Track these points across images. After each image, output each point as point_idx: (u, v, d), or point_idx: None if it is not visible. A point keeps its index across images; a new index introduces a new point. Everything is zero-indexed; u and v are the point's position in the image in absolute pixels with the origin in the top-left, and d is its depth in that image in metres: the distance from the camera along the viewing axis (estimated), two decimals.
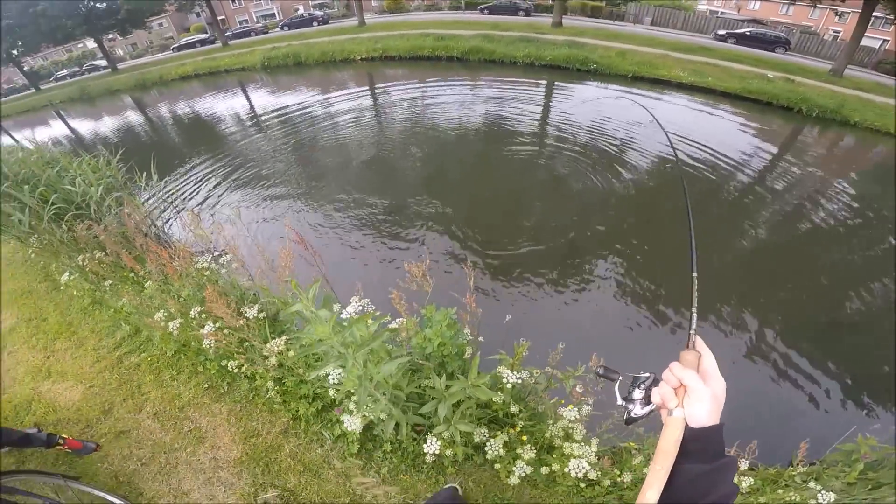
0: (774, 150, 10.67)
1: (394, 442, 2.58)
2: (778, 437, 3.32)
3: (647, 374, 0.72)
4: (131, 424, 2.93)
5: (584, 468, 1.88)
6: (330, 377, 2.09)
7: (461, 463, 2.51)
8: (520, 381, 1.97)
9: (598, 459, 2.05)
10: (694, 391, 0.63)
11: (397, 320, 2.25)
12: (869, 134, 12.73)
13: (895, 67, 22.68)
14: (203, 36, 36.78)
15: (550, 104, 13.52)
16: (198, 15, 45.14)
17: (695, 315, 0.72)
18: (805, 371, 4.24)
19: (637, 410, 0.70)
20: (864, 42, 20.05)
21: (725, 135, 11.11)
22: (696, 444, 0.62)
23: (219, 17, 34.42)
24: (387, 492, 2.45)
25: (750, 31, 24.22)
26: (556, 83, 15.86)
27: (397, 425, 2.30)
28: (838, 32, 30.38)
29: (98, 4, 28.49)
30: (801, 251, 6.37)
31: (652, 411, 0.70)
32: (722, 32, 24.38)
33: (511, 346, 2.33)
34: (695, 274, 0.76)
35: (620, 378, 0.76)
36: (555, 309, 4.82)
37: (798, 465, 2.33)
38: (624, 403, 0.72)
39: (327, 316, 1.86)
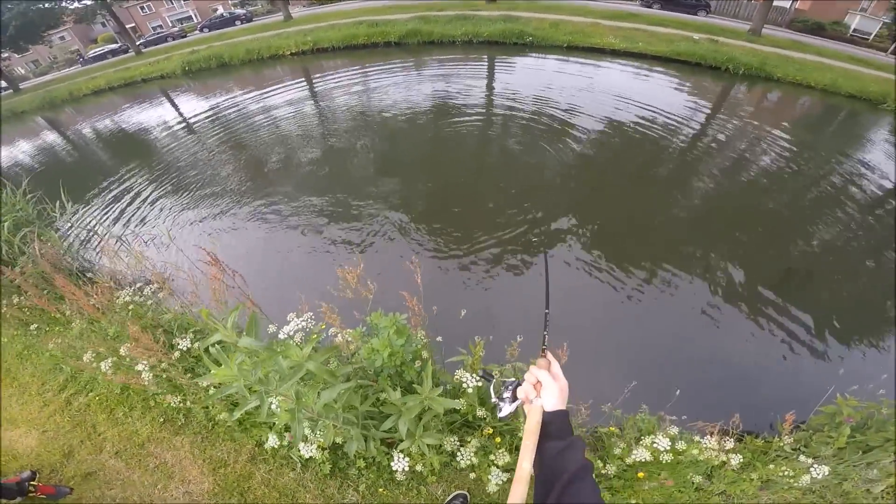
0: (709, 106, 11.19)
1: (366, 458, 2.42)
2: (761, 402, 3.24)
3: (512, 379, 0.94)
4: (95, 466, 2.82)
5: None
6: (273, 407, 1.86)
7: (440, 471, 2.38)
8: (480, 384, 1.82)
9: None
10: (547, 385, 0.84)
11: (339, 333, 2.03)
12: (791, 87, 13.72)
13: (807, 26, 24.50)
14: (113, 46, 33.64)
15: (494, 78, 13.48)
16: (104, 25, 40.97)
17: (546, 337, 0.95)
18: (772, 328, 4.16)
19: (506, 408, 0.90)
20: (778, 3, 21.41)
21: (663, 95, 11.52)
22: (551, 426, 0.80)
23: (128, 25, 31.46)
24: None
25: None
26: (496, 58, 15.77)
27: (365, 440, 2.12)
28: None
29: None
30: (748, 201, 6.58)
31: (518, 406, 0.90)
32: None
33: (474, 340, 2.18)
34: (547, 311, 1.00)
35: (495, 380, 0.95)
36: (518, 296, 4.58)
37: (786, 435, 2.28)
38: (496, 401, 0.93)
39: (250, 343, 1.62)
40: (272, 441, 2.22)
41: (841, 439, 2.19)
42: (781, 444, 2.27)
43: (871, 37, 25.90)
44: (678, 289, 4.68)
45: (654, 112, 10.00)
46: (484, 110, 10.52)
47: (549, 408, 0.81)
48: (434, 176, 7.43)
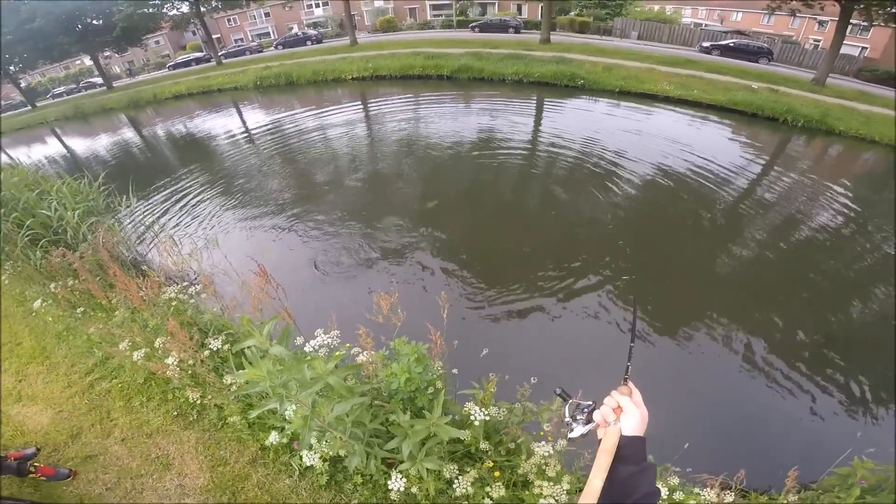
0: (764, 160, 10.80)
1: (364, 475, 2.49)
2: (774, 458, 3.23)
3: (589, 402, 0.95)
4: (98, 449, 2.89)
5: None
6: (287, 413, 2.01)
7: (434, 497, 2.41)
8: (487, 418, 1.88)
9: (572, 497, 1.95)
10: (628, 411, 0.87)
11: (364, 353, 2.17)
12: (854, 142, 12.90)
13: (876, 75, 23.23)
14: (198, 54, 37.17)
15: (542, 117, 13.72)
16: (194, 33, 45.65)
17: (629, 367, 0.97)
18: (801, 389, 4.14)
19: (578, 429, 0.92)
20: (845, 50, 20.51)
21: (716, 146, 11.25)
22: (627, 449, 0.83)
23: (214, 36, 34.85)
24: None
25: (734, 43, 24.75)
26: (545, 98, 16.07)
27: (367, 457, 2.21)
28: (819, 41, 31.09)
29: (94, 22, 28.63)
30: (798, 261, 6.32)
31: (590, 430, 0.91)
32: (707, 44, 24.82)
33: (488, 377, 2.25)
34: (632, 343, 1.00)
35: (571, 401, 0.96)
36: (540, 339, 4.65)
37: (787, 494, 2.25)
38: (570, 421, 0.94)
39: (280, 352, 1.79)
40: (273, 437, 2.32)
41: (849, 500, 2.14)
42: (785, 502, 2.21)
43: None
44: (712, 342, 4.61)
45: (706, 161, 9.80)
46: (529, 147, 10.74)
47: (628, 432, 0.85)
48: (473, 209, 7.64)
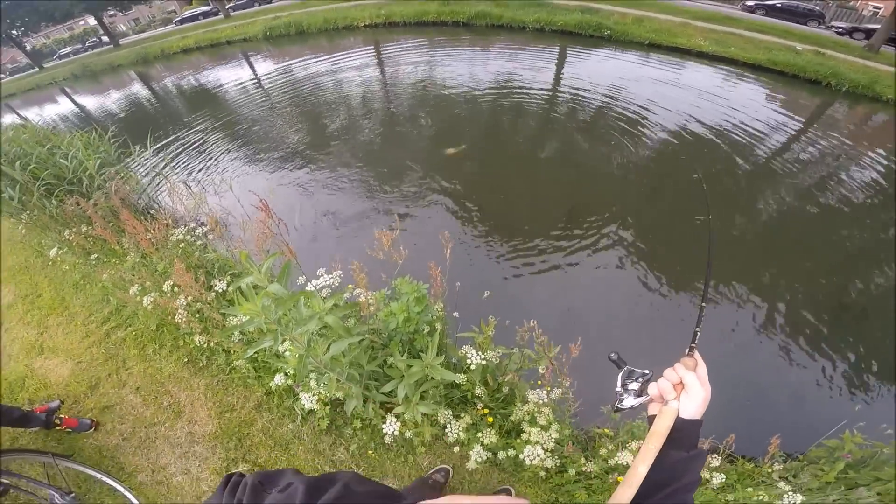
0: (801, 121, 10.08)
1: (363, 419, 2.53)
2: (767, 426, 3.17)
3: (646, 371, 0.83)
4: (115, 399, 2.99)
5: (538, 455, 1.77)
6: (285, 353, 2.00)
7: (431, 443, 2.45)
8: (484, 362, 1.84)
9: (562, 446, 1.94)
10: (691, 389, 0.76)
11: (365, 293, 2.12)
12: None
13: None
14: (205, 8, 35.85)
15: (564, 66, 13.09)
16: None
17: (698, 333, 0.84)
18: (808, 356, 4.03)
19: (629, 400, 0.82)
20: None
21: (750, 104, 10.55)
22: (680, 433, 0.74)
23: None
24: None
25: (781, 3, 22.22)
26: (567, 47, 15.17)
27: (365, 401, 2.22)
28: (879, 9, 28.01)
29: None
30: (821, 226, 6.04)
31: (641, 403, 0.81)
32: (751, 3, 22.51)
33: (487, 320, 2.20)
34: (703, 304, 0.87)
35: (626, 368, 0.84)
36: (545, 288, 4.57)
37: (770, 460, 2.21)
38: (621, 391, 0.83)
39: (278, 289, 1.74)
40: (278, 379, 2.35)
41: (831, 473, 2.10)
42: (770, 471, 2.18)
43: None
44: (721, 305, 4.47)
45: (738, 118, 9.24)
46: (549, 94, 10.28)
47: (686, 414, 0.75)
48: (489, 155, 7.44)
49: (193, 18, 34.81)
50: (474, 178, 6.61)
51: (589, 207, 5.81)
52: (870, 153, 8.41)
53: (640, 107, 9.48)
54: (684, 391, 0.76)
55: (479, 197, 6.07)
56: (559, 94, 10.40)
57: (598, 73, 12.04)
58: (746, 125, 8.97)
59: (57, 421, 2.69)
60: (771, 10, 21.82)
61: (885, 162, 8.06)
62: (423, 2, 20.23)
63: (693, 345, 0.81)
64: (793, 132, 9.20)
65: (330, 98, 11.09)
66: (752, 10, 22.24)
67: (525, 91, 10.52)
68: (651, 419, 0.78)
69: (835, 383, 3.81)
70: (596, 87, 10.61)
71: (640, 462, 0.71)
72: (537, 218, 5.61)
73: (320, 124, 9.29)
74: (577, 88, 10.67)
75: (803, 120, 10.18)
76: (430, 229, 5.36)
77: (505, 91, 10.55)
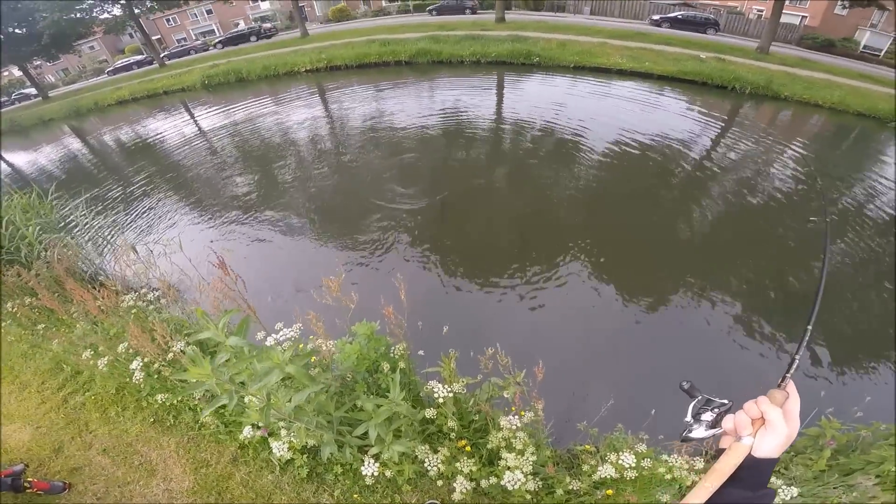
0: (718, 126, 11.29)
1: (343, 464, 2.52)
2: None
3: (725, 401, 0.75)
4: (82, 461, 2.91)
5: (519, 479, 1.84)
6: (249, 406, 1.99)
7: (416, 480, 2.46)
8: (451, 394, 1.93)
9: (543, 467, 2.02)
10: (773, 426, 0.68)
11: (324, 342, 2.17)
12: (800, 106, 13.70)
13: (817, 43, 24.46)
14: (139, 57, 34.96)
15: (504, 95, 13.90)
16: (131, 36, 42.72)
17: (796, 361, 0.76)
18: (769, 349, 4.21)
19: (698, 431, 0.74)
20: (785, 19, 21.42)
21: (675, 118, 11.67)
22: (749, 471, 0.67)
23: (154, 38, 32.76)
24: None
25: (682, 15, 25.40)
26: (505, 75, 16.21)
27: (341, 446, 2.22)
28: (762, 11, 32.34)
29: (16, 31, 26.23)
30: (756, 222, 6.61)
31: (714, 435, 0.74)
32: (656, 17, 25.38)
33: (450, 354, 2.29)
34: (809, 327, 0.81)
35: (702, 396, 0.78)
36: (506, 316, 4.67)
37: None
38: (691, 420, 0.76)
39: (236, 342, 1.75)
40: (247, 431, 2.32)
41: (821, 462, 2.14)
42: None
43: (882, 53, 25.77)
44: (678, 309, 4.72)
45: (664, 132, 10.16)
46: (493, 126, 10.83)
47: (761, 453, 0.67)
48: (438, 192, 7.56)
49: (127, 68, 33.75)
50: (427, 215, 6.75)
51: (541, 230, 6.15)
52: (785, 151, 9.56)
53: (578, 126, 10.27)
54: (763, 427, 0.69)
55: (434, 232, 6.24)
56: (502, 124, 11.00)
57: (533, 98, 12.93)
58: (677, 136, 9.92)
59: (26, 484, 2.60)
60: (674, 22, 24.70)
61: (796, 156, 9.20)
62: (364, 45, 20.77)
63: (787, 374, 0.73)
64: (715, 136, 10.27)
65: (276, 143, 11.07)
66: (657, 23, 25.02)
67: (470, 121, 11.05)
68: (719, 453, 0.71)
69: (799, 373, 4.07)
70: (533, 113, 11.32)
71: (692, 497, 0.66)
72: (493, 246, 5.84)
73: (269, 173, 9.19)
74: (517, 114, 11.38)
75: (722, 124, 11.40)
76: (383, 271, 5.42)
77: (452, 123, 11.02)
